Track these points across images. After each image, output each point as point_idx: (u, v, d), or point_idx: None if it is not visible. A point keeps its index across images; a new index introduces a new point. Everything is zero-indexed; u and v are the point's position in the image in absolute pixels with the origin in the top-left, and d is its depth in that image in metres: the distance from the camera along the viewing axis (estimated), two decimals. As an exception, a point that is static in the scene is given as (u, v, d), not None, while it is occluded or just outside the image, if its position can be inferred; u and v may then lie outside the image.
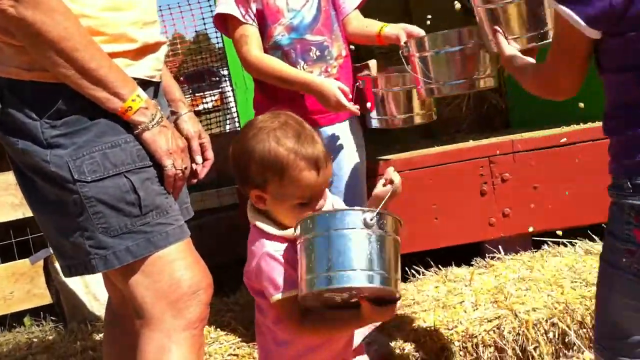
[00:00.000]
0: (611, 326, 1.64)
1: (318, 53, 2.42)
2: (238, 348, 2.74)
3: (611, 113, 1.56)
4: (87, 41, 1.61)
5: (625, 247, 1.53)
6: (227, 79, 8.18)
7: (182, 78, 8.62)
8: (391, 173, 1.70)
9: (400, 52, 2.39)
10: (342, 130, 2.52)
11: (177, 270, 1.71)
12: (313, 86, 2.33)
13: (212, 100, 8.69)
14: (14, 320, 3.94)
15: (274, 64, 2.37)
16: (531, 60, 1.82)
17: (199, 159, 2.08)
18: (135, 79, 1.72)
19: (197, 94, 8.89)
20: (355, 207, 1.55)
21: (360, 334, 1.77)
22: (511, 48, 1.90)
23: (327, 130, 2.48)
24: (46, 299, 3.72)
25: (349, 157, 2.52)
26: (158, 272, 1.70)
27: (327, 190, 1.72)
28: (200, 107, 8.30)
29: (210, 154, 2.11)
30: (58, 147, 1.65)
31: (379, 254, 1.50)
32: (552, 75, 1.61)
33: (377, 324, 1.84)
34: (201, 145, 2.10)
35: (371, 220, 1.50)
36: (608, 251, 1.61)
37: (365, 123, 2.63)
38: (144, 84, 1.77)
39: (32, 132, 1.65)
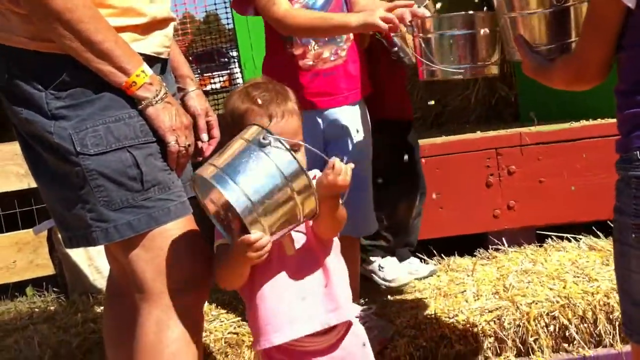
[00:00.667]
0: (632, 304, 1.61)
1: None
2: (239, 326, 2.74)
3: (632, 89, 1.54)
4: (93, 13, 1.60)
5: (634, 222, 1.51)
6: (235, 60, 8.17)
7: (191, 58, 8.61)
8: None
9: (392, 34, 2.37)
10: (351, 114, 2.49)
11: (176, 245, 1.71)
12: (354, 21, 2.21)
13: (220, 81, 8.69)
14: (16, 289, 3.96)
15: (307, 12, 2.29)
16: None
17: (204, 136, 2.08)
18: (142, 54, 1.71)
19: (205, 75, 8.88)
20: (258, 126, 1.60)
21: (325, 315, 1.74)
22: (534, 55, 1.87)
23: (335, 113, 2.43)
24: (49, 269, 3.73)
25: (357, 143, 2.51)
26: (158, 248, 1.70)
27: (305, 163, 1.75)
28: (209, 88, 8.29)
29: (216, 132, 2.10)
30: (62, 119, 1.64)
31: (250, 172, 1.53)
32: (583, 60, 1.60)
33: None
34: (208, 123, 2.10)
35: (264, 139, 1.55)
36: (618, 230, 1.60)
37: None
38: (151, 60, 1.76)
39: (36, 103, 1.65)
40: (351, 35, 2.44)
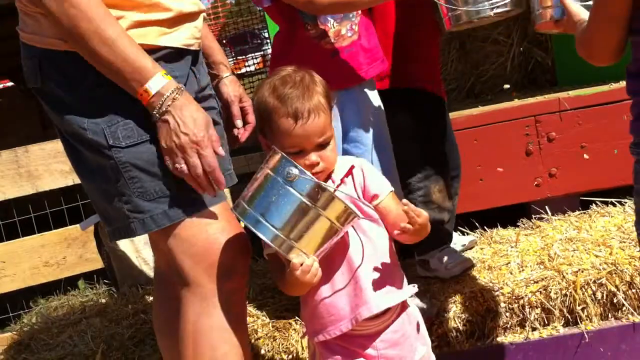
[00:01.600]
0: None
1: None
2: (286, 310, 2.77)
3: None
4: (93, 29, 1.60)
5: None
6: (268, 41, 8.17)
7: (224, 41, 8.64)
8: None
9: None
10: (369, 95, 2.46)
11: (212, 233, 1.73)
12: None
13: (254, 63, 8.71)
14: (68, 284, 4.06)
15: None
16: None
17: (239, 122, 2.09)
18: (170, 47, 1.73)
19: (239, 58, 8.90)
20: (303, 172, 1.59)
21: (381, 299, 1.75)
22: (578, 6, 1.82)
23: (352, 94, 2.40)
24: (98, 263, 3.81)
25: (379, 126, 2.48)
26: (193, 236, 1.73)
27: (336, 155, 1.78)
28: (243, 70, 8.32)
29: (251, 117, 2.10)
30: (94, 115, 1.67)
31: (281, 210, 1.57)
32: (594, 43, 1.58)
33: (413, 290, 1.84)
34: (242, 109, 2.10)
35: (289, 175, 1.56)
36: (638, 212, 1.58)
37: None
38: (181, 52, 1.77)
39: (70, 102, 1.69)
40: (359, 10, 2.41)
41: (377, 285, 1.74)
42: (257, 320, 2.75)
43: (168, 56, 1.75)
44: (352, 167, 1.78)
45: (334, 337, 1.76)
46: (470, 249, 3.05)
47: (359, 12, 2.40)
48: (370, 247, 1.75)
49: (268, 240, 1.59)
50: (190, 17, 1.80)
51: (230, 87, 2.10)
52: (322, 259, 1.64)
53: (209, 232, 1.73)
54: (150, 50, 1.70)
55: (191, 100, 1.68)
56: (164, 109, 1.63)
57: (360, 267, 1.72)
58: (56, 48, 1.66)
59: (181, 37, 1.78)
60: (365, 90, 2.44)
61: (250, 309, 2.87)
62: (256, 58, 8.95)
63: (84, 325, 3.08)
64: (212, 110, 1.92)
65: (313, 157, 1.70)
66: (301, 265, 1.59)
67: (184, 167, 1.65)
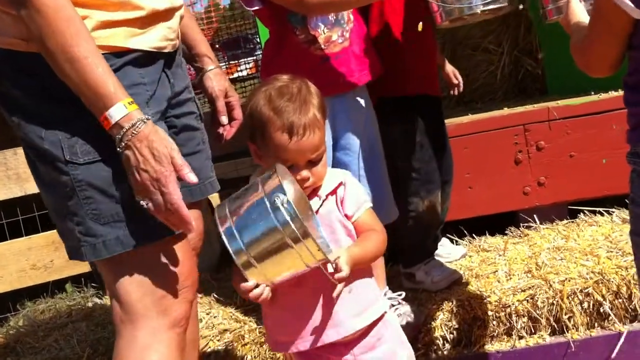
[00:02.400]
0: None
1: (334, 17, 2.37)
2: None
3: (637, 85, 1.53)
4: (58, 44, 1.46)
5: None
6: (260, 46, 8.17)
7: (217, 46, 8.63)
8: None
9: None
10: (359, 101, 2.46)
11: (165, 267, 1.62)
12: None
13: (247, 68, 8.69)
14: (56, 286, 4.04)
15: None
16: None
17: (224, 119, 1.98)
18: (141, 51, 1.60)
19: (232, 62, 8.89)
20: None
21: (351, 321, 1.74)
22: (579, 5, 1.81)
23: (343, 101, 2.39)
24: (86, 267, 3.79)
25: (367, 132, 2.47)
26: (146, 266, 1.60)
27: (326, 169, 1.76)
28: (236, 75, 8.31)
29: (238, 113, 2.00)
30: (53, 123, 1.54)
31: (257, 232, 1.56)
32: (592, 56, 1.57)
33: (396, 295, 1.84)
34: (228, 104, 2.00)
35: (275, 202, 1.54)
36: (633, 221, 1.59)
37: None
38: (152, 56, 1.64)
39: (28, 106, 1.56)
40: (351, 17, 2.41)
41: (350, 306, 1.72)
42: (244, 326, 2.74)
43: (138, 60, 1.62)
44: (340, 184, 1.77)
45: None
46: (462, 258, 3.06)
47: (351, 18, 2.40)
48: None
49: (232, 252, 1.57)
50: (164, 15, 1.67)
51: (215, 81, 1.99)
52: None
53: (161, 264, 1.62)
54: (118, 53, 1.58)
55: (153, 131, 1.51)
56: (124, 143, 1.49)
57: (332, 286, 1.68)
58: (16, 49, 1.54)
59: (152, 39, 1.64)
60: (357, 97, 2.44)
61: (238, 314, 2.87)
62: (249, 63, 8.94)
63: (70, 329, 3.06)
64: (190, 115, 1.82)
65: (304, 173, 1.69)
66: (249, 290, 1.59)
67: (150, 205, 1.52)
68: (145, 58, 1.62)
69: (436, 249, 2.92)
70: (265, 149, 1.71)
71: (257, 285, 1.59)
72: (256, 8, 2.32)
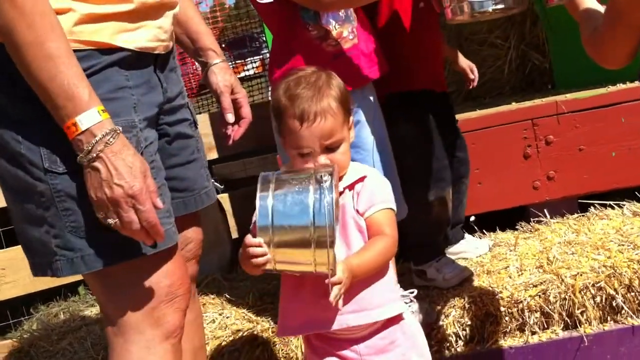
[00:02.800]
0: None
1: (345, 12, 2.37)
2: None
3: None
4: (31, 40, 1.34)
5: None
6: (266, 44, 8.17)
7: (224, 45, 8.63)
8: None
9: None
10: (370, 96, 2.47)
11: (154, 276, 1.54)
12: None
13: (253, 67, 8.70)
14: (68, 289, 4.06)
15: None
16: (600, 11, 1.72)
17: (230, 117, 1.88)
18: (129, 50, 1.50)
19: (238, 62, 8.89)
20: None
21: (353, 316, 1.74)
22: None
23: (356, 96, 2.36)
24: (97, 269, 3.80)
25: (377, 129, 2.47)
26: (134, 277, 1.52)
27: (348, 159, 1.78)
28: (242, 74, 8.32)
29: (246, 111, 1.91)
30: (32, 125, 1.43)
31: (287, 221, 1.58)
32: (606, 49, 1.57)
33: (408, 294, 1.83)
34: (235, 101, 1.90)
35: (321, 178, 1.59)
36: None
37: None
38: (141, 57, 1.54)
39: (4, 101, 1.44)
40: (356, 15, 2.41)
41: (349, 301, 1.72)
42: (257, 326, 2.75)
43: (124, 60, 1.50)
44: (360, 179, 1.77)
45: (314, 335, 1.78)
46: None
47: (356, 16, 2.41)
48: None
49: (257, 226, 1.59)
50: (154, 11, 1.56)
51: (220, 76, 1.89)
52: None
53: (150, 275, 1.53)
54: (104, 50, 1.46)
55: (127, 143, 1.41)
56: (95, 154, 1.37)
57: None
58: None
59: (141, 38, 1.53)
60: (366, 94, 2.44)
61: (250, 314, 2.87)
62: (255, 62, 8.95)
63: (84, 332, 3.07)
64: (184, 122, 1.73)
65: (322, 159, 1.70)
66: (254, 247, 1.60)
67: (117, 222, 1.40)
68: (133, 59, 1.51)
69: (447, 246, 2.92)
70: (284, 137, 1.74)
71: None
72: (266, 1, 2.31)
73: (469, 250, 3.00)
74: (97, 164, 1.37)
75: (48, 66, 1.34)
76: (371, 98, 2.47)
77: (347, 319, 1.73)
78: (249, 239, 1.61)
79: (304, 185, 1.59)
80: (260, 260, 1.59)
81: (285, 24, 2.37)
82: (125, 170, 1.38)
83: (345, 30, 2.35)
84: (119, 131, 1.40)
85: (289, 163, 1.80)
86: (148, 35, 1.55)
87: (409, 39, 2.70)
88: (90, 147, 1.36)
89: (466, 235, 3.10)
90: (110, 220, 1.41)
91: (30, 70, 1.35)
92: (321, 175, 1.58)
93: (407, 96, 2.72)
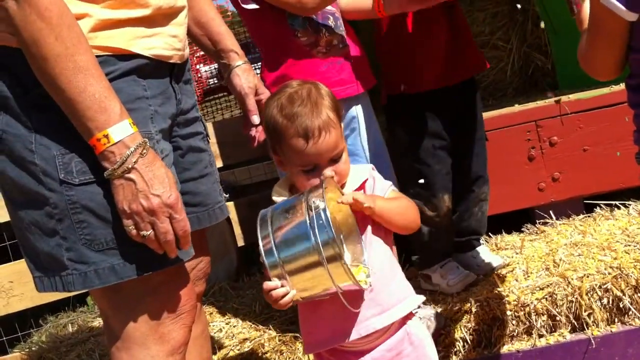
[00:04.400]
0: None
1: (334, 22, 2.37)
2: (292, 323, 2.78)
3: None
4: (59, 52, 1.32)
5: None
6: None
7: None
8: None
9: None
10: (362, 104, 2.47)
11: (162, 293, 1.53)
12: None
13: (257, 74, 8.71)
14: (77, 300, 4.07)
15: None
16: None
17: (256, 118, 1.88)
18: (147, 57, 1.49)
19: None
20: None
21: (372, 320, 1.73)
22: None
23: (350, 104, 2.41)
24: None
25: (372, 135, 2.47)
26: (142, 293, 1.51)
27: (349, 166, 1.75)
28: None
29: None
30: (46, 133, 1.40)
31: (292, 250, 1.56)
32: (594, 63, 1.58)
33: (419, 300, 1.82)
34: (259, 102, 1.89)
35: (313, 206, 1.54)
36: None
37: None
38: (158, 66, 1.53)
39: (16, 109, 1.40)
40: (343, 26, 2.41)
41: (370, 305, 1.72)
42: (264, 334, 2.76)
43: (141, 69, 1.49)
44: (366, 181, 1.77)
45: (326, 351, 1.77)
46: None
47: (344, 29, 2.42)
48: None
49: (267, 266, 1.57)
50: (168, 17, 1.55)
51: (244, 78, 1.88)
52: None
53: (159, 291, 1.52)
54: (121, 56, 1.45)
55: (156, 155, 1.43)
56: (129, 166, 1.36)
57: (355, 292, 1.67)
58: (7, 44, 1.39)
59: (157, 45, 1.52)
60: (360, 101, 2.44)
61: (257, 323, 2.88)
62: (257, 68, 8.96)
63: (92, 343, 3.09)
64: (197, 135, 1.73)
65: (328, 172, 1.69)
66: (271, 288, 1.58)
67: (152, 233, 1.40)
68: (150, 68, 1.50)
69: (453, 251, 2.90)
70: (286, 156, 1.71)
71: (282, 286, 1.58)
72: (251, 7, 2.28)
73: (473, 265, 2.90)
74: (132, 175, 1.37)
75: (77, 79, 1.33)
76: (365, 105, 2.46)
77: (371, 322, 1.72)
78: (266, 284, 1.59)
79: (298, 214, 1.57)
80: (285, 299, 1.58)
81: (273, 30, 2.35)
82: (161, 181, 1.39)
83: (334, 39, 2.36)
84: (148, 144, 1.40)
85: (285, 179, 1.79)
86: (163, 44, 1.53)
87: (413, 40, 2.69)
88: (124, 159, 1.36)
89: (481, 248, 2.97)
90: (144, 232, 1.40)
91: (57, 83, 1.34)
92: (313, 201, 1.56)
93: (408, 98, 2.71)
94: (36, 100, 1.39)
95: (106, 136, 1.35)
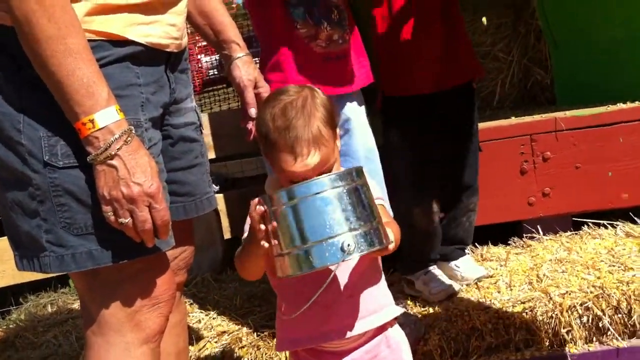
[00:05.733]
0: None
1: (337, 17, 2.36)
2: (271, 319, 2.77)
3: None
4: (51, 34, 1.31)
5: None
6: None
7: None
8: None
9: None
10: (357, 104, 2.45)
11: (141, 281, 1.51)
12: None
13: (257, 67, 8.70)
14: (59, 281, 4.06)
15: None
16: None
17: (253, 111, 1.86)
18: (142, 45, 1.47)
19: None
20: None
21: (353, 324, 1.70)
22: None
23: (346, 103, 2.38)
24: (88, 262, 3.79)
25: (363, 136, 2.45)
26: (121, 279, 1.49)
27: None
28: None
29: None
30: (35, 114, 1.39)
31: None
32: None
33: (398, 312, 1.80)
34: (258, 95, 1.87)
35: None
36: None
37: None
38: (153, 54, 1.50)
39: (7, 88, 1.40)
40: (347, 22, 2.41)
41: (352, 309, 1.70)
42: (242, 328, 2.75)
43: (136, 56, 1.47)
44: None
45: (303, 350, 1.75)
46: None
47: (349, 23, 2.40)
48: (347, 267, 1.70)
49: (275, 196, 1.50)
50: (168, 5, 1.53)
51: (244, 70, 1.85)
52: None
53: (137, 279, 1.51)
54: (115, 42, 1.43)
55: (141, 144, 1.41)
56: (112, 152, 1.35)
57: (334, 289, 1.66)
58: (4, 22, 1.37)
59: (154, 33, 1.50)
60: (355, 99, 2.43)
61: (237, 316, 2.87)
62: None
63: (70, 325, 3.08)
64: (189, 125, 1.71)
65: None
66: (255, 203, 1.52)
67: (130, 221, 1.39)
68: (145, 55, 1.49)
69: (438, 258, 2.89)
70: (275, 166, 1.65)
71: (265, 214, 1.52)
72: None
73: (457, 275, 2.88)
74: (114, 161, 1.36)
75: (67, 61, 1.32)
76: (360, 105, 2.45)
77: (348, 327, 1.69)
78: (253, 201, 1.54)
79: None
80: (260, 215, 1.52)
81: (274, 19, 2.32)
82: (143, 170, 1.38)
83: (335, 34, 2.33)
84: (133, 131, 1.39)
85: (275, 177, 1.77)
86: (160, 32, 1.52)
87: (411, 42, 2.68)
88: (108, 145, 1.35)
89: (465, 258, 2.95)
90: (123, 220, 1.39)
91: (47, 65, 1.32)
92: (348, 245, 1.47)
93: (403, 101, 2.71)
94: (28, 81, 1.38)
95: (91, 121, 1.34)
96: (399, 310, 1.80)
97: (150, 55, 1.50)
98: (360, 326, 1.71)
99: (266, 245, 1.52)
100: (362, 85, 2.43)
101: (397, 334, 1.81)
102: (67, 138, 1.38)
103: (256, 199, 1.54)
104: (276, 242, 1.51)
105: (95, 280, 1.49)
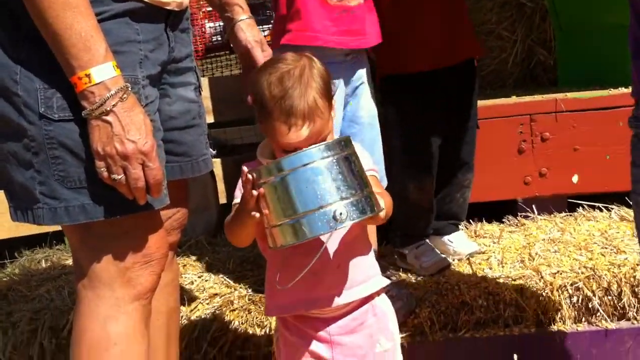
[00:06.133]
0: None
1: None
2: (263, 284, 2.78)
3: None
4: None
5: None
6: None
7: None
8: None
9: None
10: (366, 68, 2.45)
11: (134, 237, 1.53)
12: None
13: (264, 36, 8.64)
14: (55, 237, 4.06)
15: None
16: None
17: None
18: (141, 1, 1.46)
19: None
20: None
21: (340, 294, 1.72)
22: None
23: (355, 68, 2.38)
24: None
25: (368, 102, 2.44)
26: (113, 235, 1.50)
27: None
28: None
29: None
30: (32, 66, 1.40)
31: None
32: None
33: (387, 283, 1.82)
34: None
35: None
36: (634, 183, 1.62)
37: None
38: (153, 11, 1.50)
39: (6, 40, 1.40)
40: None
41: (339, 278, 1.71)
42: (234, 291, 2.77)
43: (135, 12, 1.46)
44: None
45: (291, 316, 1.77)
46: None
47: None
48: (337, 235, 1.69)
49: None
50: None
51: (248, 32, 1.85)
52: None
53: (129, 235, 1.52)
54: None
55: (137, 101, 1.42)
56: (107, 108, 1.36)
57: (323, 257, 1.64)
58: None
59: None
60: (363, 60, 2.43)
61: (229, 280, 2.89)
62: (264, 31, 8.89)
63: (63, 280, 3.08)
64: (188, 85, 1.71)
65: None
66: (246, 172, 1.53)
67: (122, 177, 1.40)
68: (144, 12, 1.48)
69: (430, 233, 2.90)
70: (269, 134, 1.65)
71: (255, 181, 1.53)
72: None
73: (450, 250, 2.90)
74: (109, 117, 1.37)
75: (65, 15, 1.32)
76: (365, 67, 2.45)
77: (335, 296, 1.72)
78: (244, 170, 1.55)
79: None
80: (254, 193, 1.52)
81: None
82: (138, 127, 1.39)
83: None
84: (129, 89, 1.39)
85: (266, 142, 1.76)
86: None
87: (404, 19, 2.67)
88: (103, 101, 1.35)
89: (458, 234, 2.97)
90: (115, 176, 1.40)
91: (45, 17, 1.32)
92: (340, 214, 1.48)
93: (402, 78, 2.70)
94: (26, 34, 1.38)
95: (88, 75, 1.35)
96: (385, 282, 1.82)
97: (150, 12, 1.49)
98: (347, 296, 1.73)
99: (257, 216, 1.53)
100: (375, 42, 2.40)
101: (383, 303, 1.83)
102: (64, 91, 1.39)
103: (246, 169, 1.55)
104: (267, 211, 1.52)
105: (88, 234, 1.50)
